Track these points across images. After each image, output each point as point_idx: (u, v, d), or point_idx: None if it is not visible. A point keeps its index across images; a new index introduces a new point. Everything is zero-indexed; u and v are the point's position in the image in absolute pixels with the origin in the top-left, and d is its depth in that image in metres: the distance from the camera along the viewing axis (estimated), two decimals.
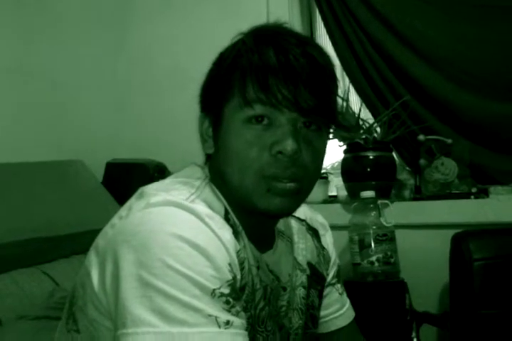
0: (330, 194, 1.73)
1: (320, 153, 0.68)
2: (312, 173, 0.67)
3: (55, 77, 1.73)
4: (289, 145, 0.62)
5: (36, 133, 1.65)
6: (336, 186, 1.70)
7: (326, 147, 0.70)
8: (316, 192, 1.60)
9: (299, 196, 0.67)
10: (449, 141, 1.55)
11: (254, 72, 0.63)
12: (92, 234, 0.69)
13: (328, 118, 0.67)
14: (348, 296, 0.91)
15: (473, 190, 1.50)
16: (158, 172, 1.66)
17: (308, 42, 0.67)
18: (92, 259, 0.64)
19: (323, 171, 1.73)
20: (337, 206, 1.60)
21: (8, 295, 1.14)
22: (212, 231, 0.61)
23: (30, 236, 1.26)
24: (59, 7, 1.78)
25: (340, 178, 1.65)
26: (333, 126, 0.73)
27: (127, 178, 1.66)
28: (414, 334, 1.37)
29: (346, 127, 1.49)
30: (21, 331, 1.03)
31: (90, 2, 1.89)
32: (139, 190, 0.68)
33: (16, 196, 1.34)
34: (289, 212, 0.70)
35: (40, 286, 1.19)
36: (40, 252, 1.28)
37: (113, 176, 1.69)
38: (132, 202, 0.66)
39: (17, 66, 1.61)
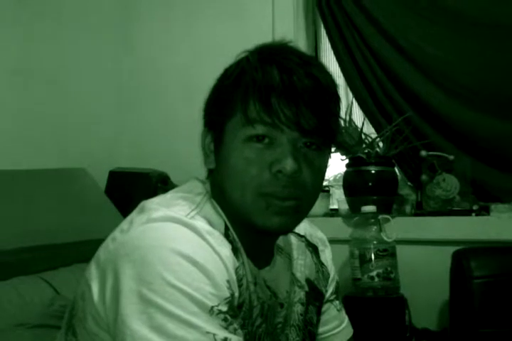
0: (331, 207, 1.73)
1: (320, 173, 0.69)
2: (312, 192, 0.68)
3: (58, 83, 1.74)
4: (289, 164, 0.63)
5: (39, 140, 1.65)
6: (338, 200, 1.70)
7: (326, 166, 0.71)
8: (318, 206, 1.59)
9: (298, 214, 0.68)
10: (451, 157, 1.55)
11: (257, 91, 0.64)
12: (94, 243, 0.69)
13: (329, 138, 0.68)
14: (348, 311, 0.91)
15: (475, 207, 1.50)
16: (161, 182, 1.67)
17: (312, 62, 0.67)
18: (93, 272, 0.65)
19: (325, 184, 1.73)
20: (338, 220, 1.60)
21: (8, 302, 1.14)
22: (212, 247, 0.61)
23: (31, 244, 1.26)
24: (62, 9, 1.77)
25: (342, 191, 1.65)
26: (334, 146, 0.73)
27: (130, 187, 1.66)
28: None
29: (346, 147, 1.50)
30: (20, 339, 1.03)
31: (93, 3, 1.88)
32: (141, 204, 0.68)
33: (18, 203, 1.34)
34: (287, 230, 0.70)
35: (40, 294, 1.19)
36: (41, 260, 1.28)
37: (116, 185, 1.69)
38: (133, 216, 0.66)
39: (17, 71, 1.61)
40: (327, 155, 0.70)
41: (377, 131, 1.66)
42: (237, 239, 0.68)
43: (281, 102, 0.63)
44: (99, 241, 0.68)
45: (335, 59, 1.75)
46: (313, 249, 0.84)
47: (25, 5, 1.65)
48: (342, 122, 1.55)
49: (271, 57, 0.67)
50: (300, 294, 0.78)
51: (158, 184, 1.63)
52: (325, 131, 0.66)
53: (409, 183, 1.69)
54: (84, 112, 1.82)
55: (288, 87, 0.63)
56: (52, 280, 1.23)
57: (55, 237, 1.32)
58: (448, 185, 1.53)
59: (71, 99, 1.78)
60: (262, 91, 0.64)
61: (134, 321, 0.56)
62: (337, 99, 0.69)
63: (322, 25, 1.80)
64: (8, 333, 1.05)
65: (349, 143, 1.54)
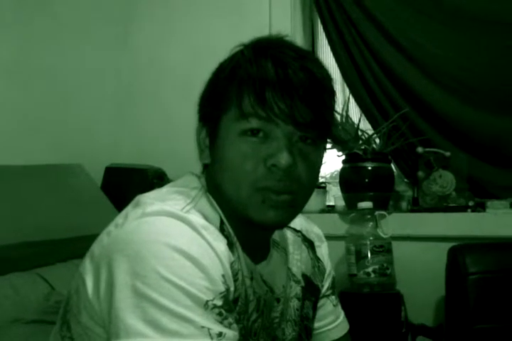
0: (328, 204, 1.73)
1: (316, 167, 0.69)
2: (307, 187, 0.67)
3: (56, 80, 1.73)
4: (284, 158, 0.63)
5: (36, 136, 1.65)
6: (334, 196, 1.70)
7: (322, 160, 0.71)
8: (314, 202, 1.60)
9: (294, 209, 0.67)
10: (448, 153, 1.55)
11: (251, 84, 0.64)
12: (90, 239, 0.69)
13: (324, 133, 0.68)
14: (344, 307, 0.91)
15: (471, 203, 1.51)
16: (157, 178, 1.66)
17: (307, 56, 0.67)
18: (87, 266, 0.65)
19: (321, 180, 1.73)
20: (334, 216, 1.60)
21: (4, 298, 1.14)
22: (207, 242, 0.61)
23: (27, 240, 1.26)
24: (61, 8, 1.76)
25: (338, 187, 1.65)
26: (330, 140, 0.73)
27: (126, 183, 1.66)
28: None
29: (342, 141, 1.50)
30: (15, 335, 1.03)
31: (92, 2, 1.87)
32: (136, 199, 0.68)
33: (14, 199, 1.34)
34: (283, 224, 0.70)
35: (36, 290, 1.19)
36: (37, 256, 1.28)
37: (112, 181, 1.69)
38: (128, 210, 0.66)
39: (16, 67, 1.61)
40: (322, 150, 0.70)
41: (373, 127, 1.66)
42: (232, 234, 0.67)
43: (275, 96, 0.63)
44: (94, 237, 0.68)
45: (332, 55, 1.74)
46: (310, 244, 0.84)
47: (24, 4, 1.64)
48: (339, 118, 1.55)
49: (266, 51, 0.66)
50: (296, 289, 0.77)
51: (154, 180, 1.63)
52: (320, 125, 0.66)
53: (405, 179, 1.69)
54: (81, 108, 1.82)
55: (283, 81, 0.63)
56: (48, 276, 1.23)
57: (50, 233, 1.31)
58: (444, 181, 1.53)
59: (69, 95, 1.78)
60: (256, 84, 0.63)
61: (128, 315, 0.55)
62: (332, 93, 0.68)
63: (319, 21, 1.79)
64: (4, 329, 1.05)
65: (345, 139, 1.53)
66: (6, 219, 1.27)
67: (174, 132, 1.82)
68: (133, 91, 1.96)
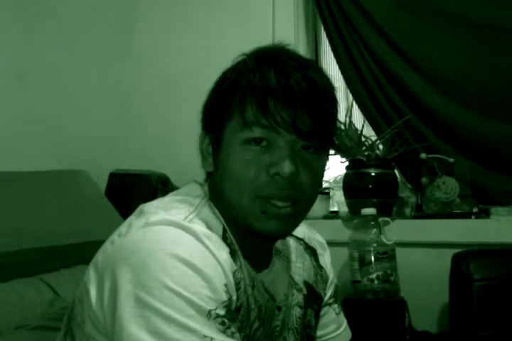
0: (331, 209, 1.73)
1: (318, 175, 0.69)
2: (309, 195, 0.68)
3: (58, 85, 1.74)
4: (287, 167, 0.63)
5: (40, 142, 1.66)
6: (338, 202, 1.70)
7: (324, 168, 0.71)
8: (317, 208, 1.60)
9: (295, 219, 0.68)
10: (451, 160, 1.55)
11: (254, 93, 0.64)
12: (94, 245, 0.70)
13: (326, 141, 0.68)
14: (348, 314, 0.91)
15: (475, 210, 1.50)
16: (161, 183, 1.67)
17: (309, 65, 0.67)
18: (91, 275, 0.65)
19: (325, 186, 1.74)
20: (338, 222, 1.60)
21: (8, 304, 1.14)
22: (210, 251, 0.61)
23: (31, 246, 1.26)
24: (62, 10, 1.77)
25: (342, 193, 1.65)
26: (333, 149, 0.73)
27: (130, 189, 1.67)
28: None
29: (344, 150, 1.50)
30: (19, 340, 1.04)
31: (94, 6, 1.88)
32: (139, 208, 0.68)
33: (19, 205, 1.35)
34: (285, 234, 0.71)
35: (40, 296, 1.19)
36: (42, 262, 1.28)
37: (116, 187, 1.70)
38: (132, 219, 0.67)
39: (18, 73, 1.62)
40: (325, 158, 0.71)
41: (377, 133, 1.67)
42: (234, 242, 0.68)
43: (277, 104, 0.63)
44: (99, 243, 0.68)
45: (335, 62, 1.75)
46: (312, 252, 0.84)
47: (23, 7, 1.65)
48: (342, 125, 1.55)
49: (268, 60, 0.67)
50: (298, 297, 0.77)
51: (158, 186, 1.63)
52: (322, 134, 0.66)
53: (409, 186, 1.69)
54: (84, 114, 1.82)
55: (285, 90, 0.64)
56: (52, 282, 1.24)
57: (55, 239, 1.32)
58: (448, 187, 1.53)
59: (72, 101, 1.79)
60: (259, 94, 0.64)
61: (131, 325, 0.56)
62: (334, 102, 0.69)
63: (322, 29, 1.80)
64: (8, 335, 1.05)
65: (349, 145, 1.54)
66: (11, 225, 1.27)
67: (178, 137, 1.82)
68: (135, 97, 1.96)
